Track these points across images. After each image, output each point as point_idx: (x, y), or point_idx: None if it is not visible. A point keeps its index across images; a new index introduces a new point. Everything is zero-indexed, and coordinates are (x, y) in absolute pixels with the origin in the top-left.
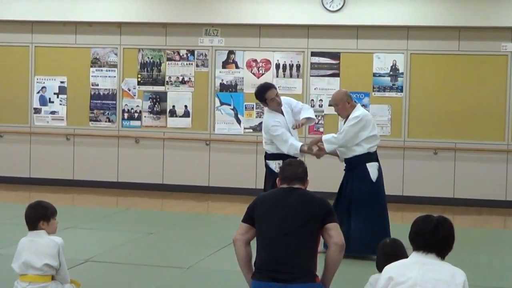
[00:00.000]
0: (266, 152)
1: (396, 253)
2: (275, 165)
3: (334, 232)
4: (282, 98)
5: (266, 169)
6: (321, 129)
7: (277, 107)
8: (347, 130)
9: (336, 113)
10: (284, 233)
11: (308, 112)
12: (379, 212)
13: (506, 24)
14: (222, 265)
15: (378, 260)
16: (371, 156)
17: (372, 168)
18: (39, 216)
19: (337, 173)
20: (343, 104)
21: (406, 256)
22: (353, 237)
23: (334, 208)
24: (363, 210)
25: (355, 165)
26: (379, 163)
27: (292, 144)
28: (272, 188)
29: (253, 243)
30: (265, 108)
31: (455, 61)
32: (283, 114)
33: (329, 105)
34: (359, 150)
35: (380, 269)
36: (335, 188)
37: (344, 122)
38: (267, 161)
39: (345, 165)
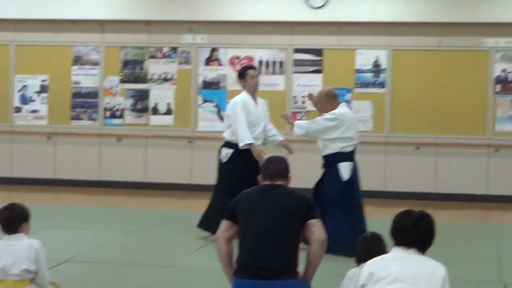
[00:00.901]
0: (223, 141)
1: (376, 247)
2: (224, 153)
3: (316, 228)
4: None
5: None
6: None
7: (253, 89)
8: (318, 122)
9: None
10: (266, 230)
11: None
12: (351, 211)
13: (486, 20)
14: (205, 262)
15: (357, 254)
16: (345, 156)
17: (344, 168)
18: (20, 218)
19: (320, 169)
20: (322, 104)
21: (385, 251)
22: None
23: None
24: (335, 209)
25: (329, 164)
26: (354, 163)
27: (246, 134)
28: (221, 178)
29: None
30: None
31: (437, 57)
32: (255, 102)
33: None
34: (331, 148)
35: (359, 263)
36: None
37: None
38: (221, 148)
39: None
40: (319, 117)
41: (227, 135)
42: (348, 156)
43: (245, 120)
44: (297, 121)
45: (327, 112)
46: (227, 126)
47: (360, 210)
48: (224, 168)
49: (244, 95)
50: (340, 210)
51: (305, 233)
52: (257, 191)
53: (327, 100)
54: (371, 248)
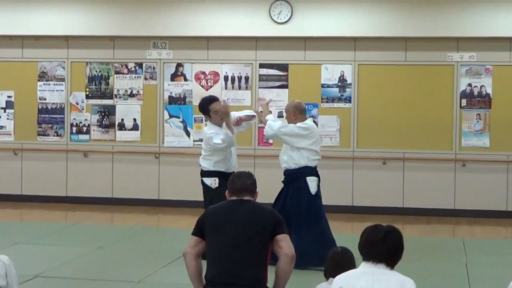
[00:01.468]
0: (202, 170)
1: (345, 262)
2: (210, 181)
3: (284, 243)
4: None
5: (202, 186)
6: (270, 141)
7: (219, 121)
8: (290, 127)
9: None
10: (235, 245)
11: (248, 111)
12: (319, 224)
13: (452, 34)
14: (173, 278)
15: (326, 268)
16: (311, 171)
17: (311, 182)
18: None
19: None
20: (289, 114)
21: (354, 266)
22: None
23: None
24: (303, 223)
25: (295, 178)
26: (319, 178)
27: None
28: (210, 204)
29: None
30: (208, 122)
31: (402, 71)
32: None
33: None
34: (297, 160)
35: (327, 277)
36: None
37: None
38: (202, 178)
39: (283, 177)
40: (291, 124)
41: (207, 165)
42: (314, 171)
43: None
44: (269, 121)
45: (292, 122)
46: (206, 157)
47: (326, 222)
48: (217, 193)
49: (211, 126)
50: (308, 223)
51: (273, 248)
52: (224, 206)
53: (294, 113)
54: (340, 262)
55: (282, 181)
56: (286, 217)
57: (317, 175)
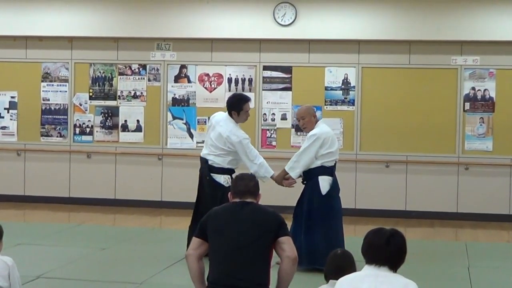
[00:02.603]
0: (211, 165)
1: (345, 265)
2: (223, 179)
3: (287, 245)
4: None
5: (210, 184)
6: (274, 143)
7: (243, 121)
8: (304, 152)
9: (300, 127)
10: (237, 247)
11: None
12: (329, 224)
13: (455, 38)
14: (175, 280)
15: (326, 271)
16: (325, 170)
17: (323, 181)
18: None
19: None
20: (309, 117)
21: (355, 268)
22: (303, 249)
23: (294, 221)
24: (313, 222)
25: (309, 178)
26: (334, 177)
27: (265, 166)
28: (221, 203)
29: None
30: (227, 118)
31: (406, 74)
32: None
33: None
34: (314, 163)
35: (327, 279)
36: (287, 202)
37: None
38: (213, 174)
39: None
40: (302, 147)
41: (221, 162)
42: (328, 171)
43: (255, 150)
44: (287, 168)
45: (312, 126)
46: (221, 154)
47: (337, 223)
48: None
49: (236, 125)
50: (318, 223)
51: (275, 250)
52: (227, 208)
53: (313, 114)
54: (340, 265)
55: (302, 182)
56: (302, 216)
57: (332, 175)
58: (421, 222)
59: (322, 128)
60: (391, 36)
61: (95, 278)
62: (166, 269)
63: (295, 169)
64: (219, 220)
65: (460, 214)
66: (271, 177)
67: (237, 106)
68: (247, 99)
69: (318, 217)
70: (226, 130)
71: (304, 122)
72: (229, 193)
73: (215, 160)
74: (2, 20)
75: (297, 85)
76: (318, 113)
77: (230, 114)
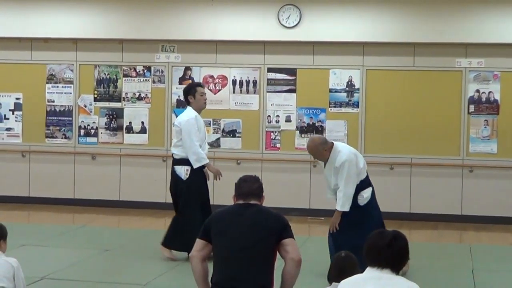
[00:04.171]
0: (174, 158)
1: (349, 267)
2: (183, 170)
3: (291, 247)
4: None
5: (172, 177)
6: (278, 145)
7: (202, 106)
8: (347, 183)
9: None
10: (241, 249)
11: None
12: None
13: (460, 40)
14: (179, 281)
15: (330, 273)
16: (363, 184)
17: (365, 194)
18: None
19: (293, 189)
20: (320, 152)
21: (358, 271)
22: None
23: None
24: (353, 232)
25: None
26: (372, 187)
27: (200, 154)
28: (175, 197)
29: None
30: (187, 109)
31: (410, 76)
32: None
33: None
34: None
35: (330, 281)
36: (292, 204)
37: (325, 164)
38: (176, 167)
39: None
40: (341, 178)
41: (180, 153)
42: (365, 183)
43: (197, 140)
44: (339, 208)
45: (325, 157)
46: (178, 144)
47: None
48: (188, 185)
49: (194, 112)
50: (358, 233)
51: (279, 252)
52: (230, 210)
53: (323, 147)
54: (343, 267)
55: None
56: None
57: (370, 185)
58: (425, 224)
59: (342, 149)
60: (395, 38)
61: (99, 280)
62: (170, 270)
63: (345, 204)
64: (223, 221)
65: (464, 217)
66: (206, 165)
67: (190, 90)
68: (199, 83)
69: (359, 227)
70: (180, 117)
71: (317, 157)
72: (233, 195)
73: (175, 151)
74: (7, 21)
75: (301, 87)
76: (322, 115)
77: (188, 102)
